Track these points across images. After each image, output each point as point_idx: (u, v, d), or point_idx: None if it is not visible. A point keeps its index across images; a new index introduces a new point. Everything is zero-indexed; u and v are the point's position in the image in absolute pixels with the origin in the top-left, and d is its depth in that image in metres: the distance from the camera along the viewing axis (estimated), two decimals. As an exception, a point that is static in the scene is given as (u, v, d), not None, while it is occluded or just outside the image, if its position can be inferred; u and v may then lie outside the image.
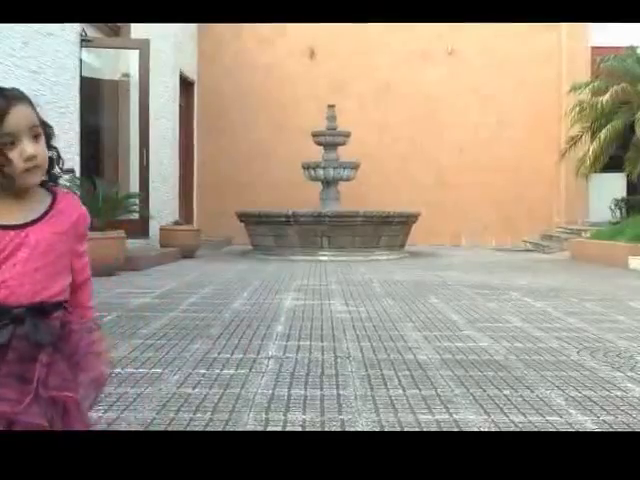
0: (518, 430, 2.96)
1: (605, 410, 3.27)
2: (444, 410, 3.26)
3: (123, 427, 2.97)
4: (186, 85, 14.86)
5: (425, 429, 2.98)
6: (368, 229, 12.53)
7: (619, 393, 3.56)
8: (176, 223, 12.58)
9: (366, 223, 12.48)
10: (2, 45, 7.59)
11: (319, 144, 13.97)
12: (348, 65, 15.75)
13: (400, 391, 3.58)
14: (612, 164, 13.97)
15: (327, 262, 11.55)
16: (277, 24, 14.99)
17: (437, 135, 15.87)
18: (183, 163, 14.51)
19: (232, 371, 3.97)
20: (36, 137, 1.76)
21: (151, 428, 2.97)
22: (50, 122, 1.85)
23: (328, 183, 13.82)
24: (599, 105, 13.41)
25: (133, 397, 3.42)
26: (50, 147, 1.82)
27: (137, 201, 10.19)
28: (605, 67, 14.08)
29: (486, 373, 3.96)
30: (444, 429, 2.98)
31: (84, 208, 1.90)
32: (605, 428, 3.01)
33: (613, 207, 14.14)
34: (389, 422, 3.07)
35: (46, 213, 1.80)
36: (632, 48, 14.15)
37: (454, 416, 3.17)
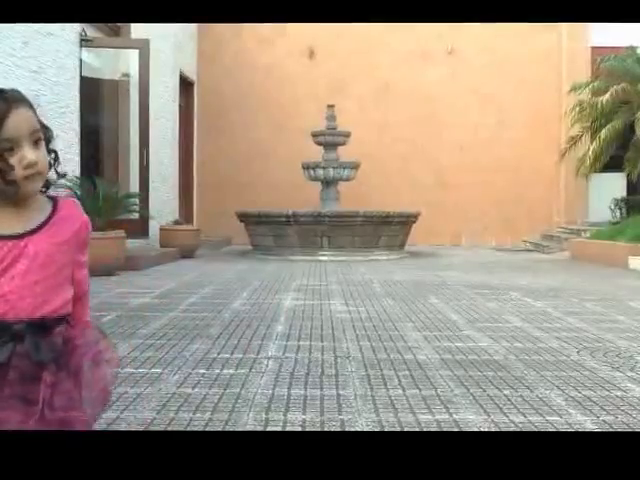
0: (518, 430, 2.96)
1: (605, 410, 3.27)
2: (444, 410, 3.26)
3: (123, 427, 2.97)
4: (186, 85, 14.87)
5: (425, 429, 2.98)
6: (368, 229, 12.53)
7: (619, 393, 3.56)
8: (176, 223, 12.59)
9: (366, 223, 12.48)
10: (2, 45, 7.59)
11: (319, 144, 13.97)
12: (348, 65, 15.75)
13: (400, 391, 3.58)
14: (612, 164, 13.97)
15: (327, 262, 11.55)
16: (277, 24, 15.00)
17: (437, 135, 15.87)
18: (183, 163, 14.52)
19: (232, 371, 3.97)
20: (36, 142, 1.67)
21: (151, 428, 2.97)
22: (50, 122, 1.77)
23: (328, 183, 13.82)
24: (599, 105, 13.41)
25: (133, 397, 3.42)
26: (49, 151, 1.73)
27: (137, 201, 10.19)
28: (605, 67, 14.09)
29: (486, 373, 3.96)
30: (444, 429, 2.98)
31: (86, 216, 1.81)
32: (605, 428, 3.01)
33: (613, 207, 14.14)
34: (389, 422, 3.07)
35: (46, 222, 1.70)
36: (632, 48, 14.15)
37: (454, 416, 3.16)
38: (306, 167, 13.77)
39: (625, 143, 13.64)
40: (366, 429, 2.98)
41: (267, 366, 4.09)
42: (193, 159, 15.64)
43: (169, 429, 2.95)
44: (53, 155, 1.74)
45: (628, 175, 14.06)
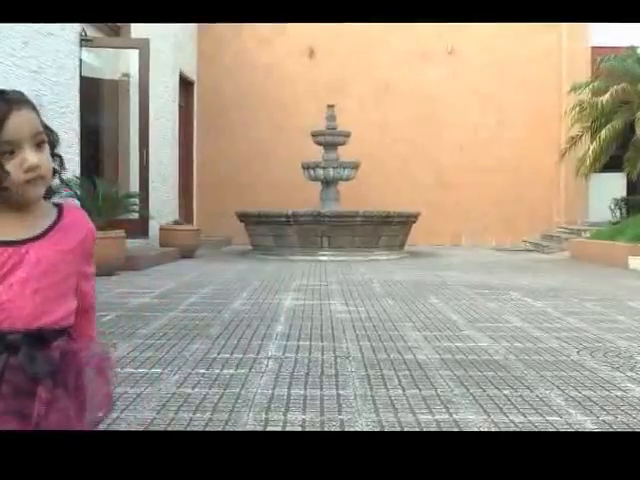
0: (518, 430, 2.96)
1: (605, 410, 3.26)
2: (444, 410, 3.26)
3: (123, 427, 2.97)
4: (186, 85, 14.87)
5: (425, 429, 2.98)
6: (368, 229, 12.53)
7: (619, 393, 3.56)
8: (176, 223, 12.59)
9: (366, 223, 12.48)
10: (2, 45, 7.59)
11: (319, 144, 13.97)
12: (348, 65, 15.75)
13: (400, 391, 3.58)
14: (612, 164, 13.97)
15: (327, 262, 11.55)
16: (277, 24, 15.00)
17: (437, 135, 15.87)
18: (183, 163, 14.52)
19: (232, 371, 3.97)
20: (39, 145, 1.59)
21: (151, 428, 2.97)
22: (50, 122, 1.69)
23: (328, 183, 13.82)
24: (599, 105, 13.41)
25: (133, 397, 3.42)
26: (54, 155, 1.65)
27: (137, 201, 10.19)
28: (605, 67, 14.08)
29: (486, 373, 3.96)
30: (444, 429, 2.98)
31: (92, 224, 1.74)
32: (605, 428, 3.01)
33: (613, 207, 14.14)
34: (389, 422, 3.07)
35: (50, 228, 1.62)
36: (632, 48, 14.15)
37: (454, 416, 3.17)
38: (306, 167, 13.77)
39: (625, 143, 13.64)
40: (366, 429, 2.98)
41: (267, 366, 4.10)
42: (193, 159, 15.64)
43: (169, 429, 2.95)
44: (58, 161, 1.67)
45: (628, 175, 14.06)
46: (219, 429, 2.96)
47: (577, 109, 14.09)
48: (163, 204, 12.43)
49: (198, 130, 15.79)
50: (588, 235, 13.28)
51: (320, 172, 13.66)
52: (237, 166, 15.71)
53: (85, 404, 1.60)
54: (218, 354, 4.40)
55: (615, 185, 14.81)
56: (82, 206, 1.78)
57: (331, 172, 13.63)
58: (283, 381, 3.75)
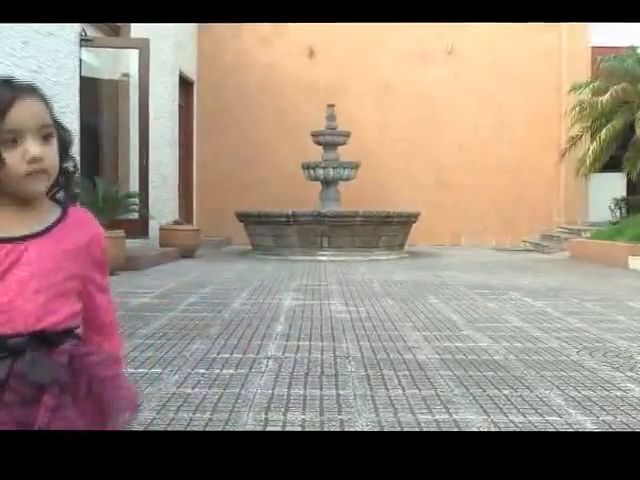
0: (518, 430, 2.96)
1: (605, 410, 3.27)
2: (444, 410, 3.26)
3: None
4: (186, 85, 14.86)
5: (425, 429, 2.98)
6: (368, 229, 12.52)
7: (619, 393, 3.56)
8: (176, 223, 12.58)
9: (366, 223, 12.47)
10: (2, 45, 7.59)
11: (319, 144, 13.97)
12: (348, 65, 15.75)
13: (400, 391, 3.58)
14: (612, 164, 13.97)
15: (327, 262, 11.55)
16: (277, 24, 15.00)
17: (437, 135, 15.87)
18: (183, 163, 14.51)
19: (231, 371, 3.97)
20: (46, 138, 1.50)
21: (151, 428, 2.97)
22: None
23: (328, 183, 13.82)
24: (599, 105, 13.41)
25: (133, 397, 3.41)
26: (67, 157, 1.57)
27: (137, 201, 10.19)
28: (605, 67, 14.09)
29: (486, 373, 3.96)
30: (444, 429, 2.98)
31: (101, 229, 1.64)
32: (605, 428, 3.01)
33: (613, 207, 14.14)
34: (389, 422, 3.07)
35: (53, 226, 1.53)
36: (632, 48, 14.15)
37: (454, 416, 3.17)
38: (306, 167, 13.77)
39: (625, 143, 13.65)
40: (366, 429, 2.98)
41: (267, 366, 4.10)
42: (193, 159, 15.63)
43: (169, 429, 2.95)
44: (72, 164, 1.59)
45: (628, 175, 14.06)
46: (219, 429, 2.96)
47: (577, 109, 14.09)
48: (163, 204, 12.43)
49: (198, 130, 15.79)
50: (588, 235, 13.28)
51: (320, 172, 13.66)
52: (237, 166, 15.71)
53: (103, 408, 1.54)
54: (218, 354, 4.40)
55: (615, 185, 14.82)
56: (82, 206, 1.69)
57: (331, 172, 13.63)
58: (283, 381, 3.75)
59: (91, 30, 10.64)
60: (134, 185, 11.00)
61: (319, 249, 12.29)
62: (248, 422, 3.05)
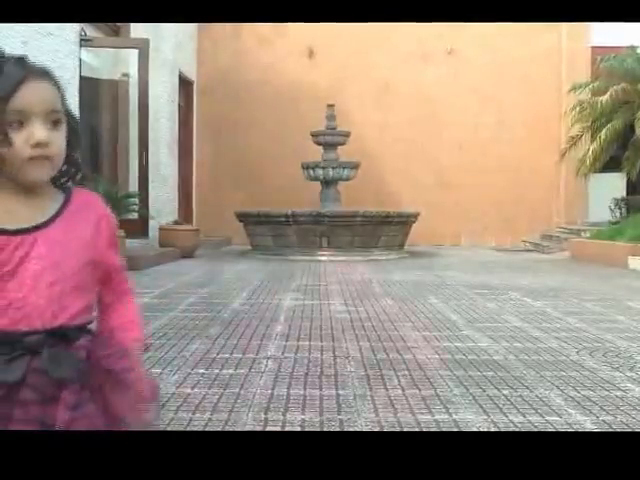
0: (517, 430, 2.96)
1: (604, 410, 3.27)
2: (443, 410, 3.26)
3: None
4: (186, 85, 14.86)
5: (424, 429, 2.98)
6: (367, 229, 12.52)
7: (618, 393, 3.56)
8: (175, 223, 12.58)
9: (365, 223, 12.47)
10: (2, 45, 7.58)
11: (318, 144, 13.97)
12: (348, 65, 15.75)
13: (399, 391, 3.58)
14: (612, 164, 13.98)
15: (326, 262, 11.55)
16: (277, 24, 15.00)
17: (437, 135, 15.87)
18: (182, 163, 14.52)
19: (231, 371, 3.97)
20: (55, 124, 1.43)
21: (150, 428, 2.96)
22: None
23: (328, 183, 13.82)
24: (599, 105, 13.42)
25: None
26: (75, 146, 1.51)
27: (136, 201, 10.19)
28: (605, 67, 14.10)
29: (485, 373, 3.96)
30: (443, 429, 2.98)
31: (107, 209, 1.57)
32: (604, 428, 3.01)
33: (613, 207, 14.14)
34: (388, 422, 3.07)
35: (58, 213, 1.46)
36: (632, 48, 14.16)
37: (453, 416, 3.16)
38: (306, 167, 13.77)
39: (625, 143, 13.66)
40: (365, 429, 2.98)
41: (266, 366, 4.09)
42: (193, 159, 15.63)
43: (168, 429, 2.95)
44: (79, 153, 1.53)
45: (628, 175, 14.06)
46: (218, 429, 2.96)
47: (577, 109, 14.10)
48: (163, 204, 12.43)
49: (198, 130, 15.79)
50: (588, 235, 13.28)
51: (320, 172, 13.66)
52: (237, 166, 15.71)
53: (116, 405, 1.51)
54: (217, 354, 4.40)
55: (615, 185, 14.82)
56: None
57: (331, 172, 13.63)
58: (282, 381, 3.75)
59: (91, 30, 10.64)
60: (134, 185, 11.00)
61: (319, 249, 12.29)
62: (248, 422, 3.05)
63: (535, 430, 2.96)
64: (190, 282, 8.42)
